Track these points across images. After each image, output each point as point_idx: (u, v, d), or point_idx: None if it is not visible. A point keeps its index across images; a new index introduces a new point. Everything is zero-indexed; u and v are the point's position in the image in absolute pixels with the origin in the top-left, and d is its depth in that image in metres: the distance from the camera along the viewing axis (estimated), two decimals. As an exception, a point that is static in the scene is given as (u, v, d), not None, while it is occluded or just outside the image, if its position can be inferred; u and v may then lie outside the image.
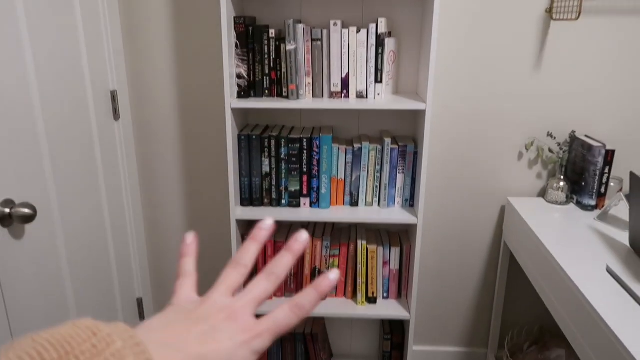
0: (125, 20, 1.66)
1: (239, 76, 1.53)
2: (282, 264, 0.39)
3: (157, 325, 0.33)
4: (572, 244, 1.37)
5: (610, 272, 1.22)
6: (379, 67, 1.51)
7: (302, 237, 0.41)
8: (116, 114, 1.63)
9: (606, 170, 1.56)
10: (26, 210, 1.11)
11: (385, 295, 1.75)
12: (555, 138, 1.69)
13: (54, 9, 1.27)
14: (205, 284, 1.94)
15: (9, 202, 1.11)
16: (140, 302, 1.85)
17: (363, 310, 1.70)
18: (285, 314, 0.36)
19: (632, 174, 1.24)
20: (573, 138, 1.65)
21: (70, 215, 1.37)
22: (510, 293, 1.89)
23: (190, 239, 0.42)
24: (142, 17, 1.66)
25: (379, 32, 1.48)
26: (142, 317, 1.86)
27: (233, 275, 0.39)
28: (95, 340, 0.26)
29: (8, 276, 1.12)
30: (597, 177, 1.56)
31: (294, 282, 1.75)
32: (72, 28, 1.36)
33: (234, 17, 1.47)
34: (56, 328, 0.27)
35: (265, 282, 0.38)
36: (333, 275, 0.38)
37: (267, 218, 0.42)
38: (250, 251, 0.41)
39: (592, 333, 1.09)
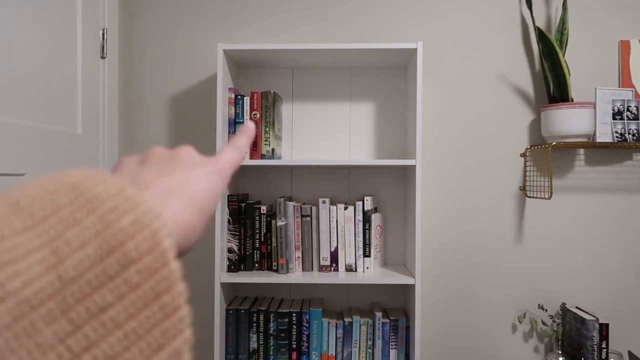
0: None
1: (230, 250, 1.56)
2: (243, 139, 0.42)
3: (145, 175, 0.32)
4: None
5: None
6: (367, 241, 1.56)
7: (250, 125, 0.44)
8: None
9: (603, 345, 1.52)
10: None
11: None
12: (546, 310, 1.68)
13: None
14: None
15: None
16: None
17: None
18: (231, 153, 0.38)
19: (630, 354, 1.21)
20: (565, 310, 1.64)
21: None
22: None
23: (252, 126, 0.44)
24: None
25: (366, 208, 1.56)
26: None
27: (230, 151, 0.40)
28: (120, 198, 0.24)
29: None
30: (595, 353, 1.51)
31: None
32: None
33: (227, 195, 1.55)
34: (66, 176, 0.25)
35: (234, 151, 0.39)
36: (250, 124, 0.44)
37: (249, 122, 0.45)
38: (243, 140, 0.43)
39: None
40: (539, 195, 1.61)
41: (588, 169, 1.67)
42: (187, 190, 0.30)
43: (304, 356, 1.56)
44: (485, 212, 1.69)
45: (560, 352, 1.61)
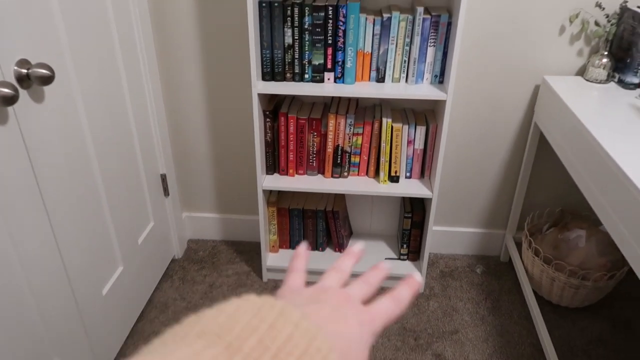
0: None
1: None
2: (375, 275, 0.41)
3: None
4: (611, 122, 1.31)
5: (650, 148, 1.17)
6: None
7: (382, 266, 0.42)
8: (128, -23, 1.51)
9: (657, 44, 1.44)
10: (43, 71, 1.06)
11: (407, 174, 1.74)
12: (604, 9, 1.54)
13: None
14: (226, 161, 1.95)
15: (25, 62, 1.06)
16: (164, 178, 1.87)
17: (385, 188, 1.70)
18: (388, 305, 0.37)
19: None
20: (624, 9, 1.51)
21: (88, 80, 1.33)
22: (534, 175, 1.86)
23: (304, 248, 0.44)
24: None
25: None
26: (166, 192, 1.90)
27: (334, 276, 0.40)
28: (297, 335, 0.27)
29: (33, 140, 1.11)
30: (645, 52, 1.45)
31: (316, 160, 1.73)
32: None
33: None
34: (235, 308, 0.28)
35: (364, 285, 0.39)
36: (418, 277, 0.41)
37: (359, 243, 0.45)
38: (348, 261, 0.42)
39: (627, 208, 1.06)
40: None
41: None
42: (342, 343, 0.31)
43: (340, 52, 1.54)
44: None
45: (606, 52, 1.54)
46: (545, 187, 1.89)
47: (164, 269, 1.95)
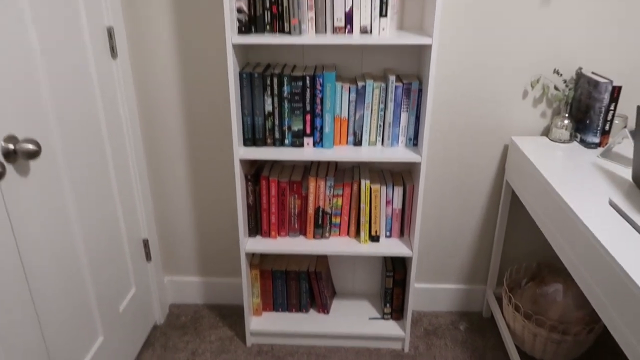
0: (118, -48, 1.59)
1: (239, 10, 1.48)
2: None
3: None
4: (575, 180, 1.38)
5: (612, 205, 1.23)
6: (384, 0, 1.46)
7: None
8: (113, 52, 1.58)
9: (612, 107, 1.55)
10: (30, 146, 1.10)
11: (387, 234, 1.78)
12: (561, 75, 1.66)
13: (45, -64, 1.21)
14: (208, 224, 1.97)
15: (12, 138, 1.09)
16: (146, 243, 1.87)
17: (366, 248, 1.73)
18: None
19: (639, 108, 1.23)
20: (580, 75, 1.63)
21: (73, 152, 1.36)
22: (510, 231, 1.92)
23: None
24: (136, -52, 1.58)
25: (385, -38, 1.42)
26: (148, 257, 1.89)
27: None
28: None
29: (17, 212, 1.12)
30: (602, 114, 1.55)
31: (298, 221, 1.77)
32: (65, -42, 1.31)
33: (233, -53, 1.41)
34: None
35: None
36: None
37: None
38: None
39: (594, 263, 1.11)
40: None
41: None
42: None
43: (318, 118, 1.61)
44: (514, -32, 1.55)
45: (567, 115, 1.65)
46: (521, 242, 1.94)
47: (145, 336, 1.91)
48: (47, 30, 1.22)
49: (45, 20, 1.22)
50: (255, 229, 1.79)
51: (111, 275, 1.61)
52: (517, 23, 1.61)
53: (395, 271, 1.84)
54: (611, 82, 1.51)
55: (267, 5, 1.49)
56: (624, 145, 1.59)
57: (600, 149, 1.60)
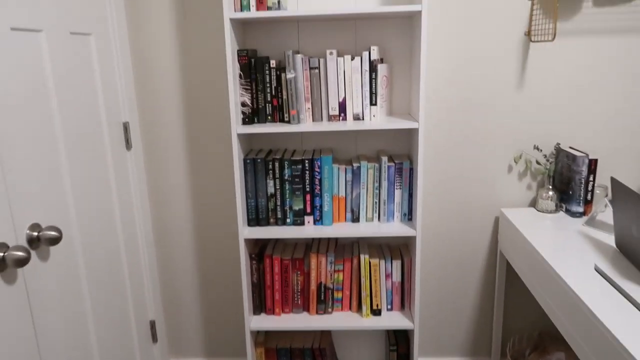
0: (136, 60, 1.78)
1: (243, 104, 1.64)
2: None
3: None
4: (563, 249, 1.46)
5: (598, 270, 1.31)
6: (373, 90, 1.62)
7: None
8: (128, 144, 1.73)
9: (591, 179, 1.66)
10: (53, 233, 1.19)
11: (389, 307, 1.82)
12: (541, 150, 1.80)
13: (74, 50, 1.38)
14: (213, 303, 2.01)
15: (36, 226, 1.19)
16: (152, 324, 1.91)
17: (368, 322, 1.76)
18: None
19: (612, 179, 1.34)
20: (558, 150, 1.76)
21: (90, 238, 1.45)
22: (509, 300, 1.96)
23: None
24: (152, 56, 1.78)
25: (372, 58, 1.60)
26: (154, 339, 1.92)
27: None
28: None
29: (37, 297, 1.19)
30: (582, 186, 1.66)
31: (301, 298, 1.82)
32: (89, 69, 1.48)
33: (237, 50, 1.59)
34: None
35: None
36: None
37: None
38: None
39: (587, 330, 1.17)
40: (543, 39, 1.63)
41: (596, 10, 1.66)
42: None
43: (317, 198, 1.72)
44: (489, 58, 1.73)
45: (550, 187, 1.76)
46: (521, 311, 1.98)
47: (149, 422, 1.89)
48: (71, 126, 1.37)
49: (72, 118, 1.36)
50: (260, 306, 1.83)
51: (118, 358, 1.64)
52: (496, 106, 1.77)
53: (399, 345, 1.86)
54: (587, 155, 1.63)
55: (269, 98, 1.65)
56: (607, 213, 1.69)
57: (585, 218, 1.69)
